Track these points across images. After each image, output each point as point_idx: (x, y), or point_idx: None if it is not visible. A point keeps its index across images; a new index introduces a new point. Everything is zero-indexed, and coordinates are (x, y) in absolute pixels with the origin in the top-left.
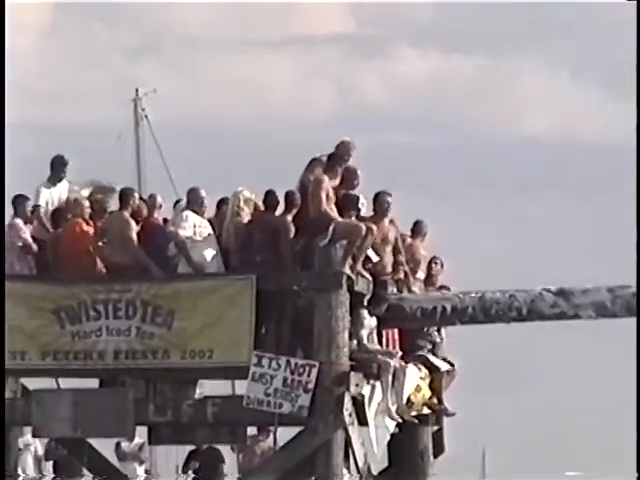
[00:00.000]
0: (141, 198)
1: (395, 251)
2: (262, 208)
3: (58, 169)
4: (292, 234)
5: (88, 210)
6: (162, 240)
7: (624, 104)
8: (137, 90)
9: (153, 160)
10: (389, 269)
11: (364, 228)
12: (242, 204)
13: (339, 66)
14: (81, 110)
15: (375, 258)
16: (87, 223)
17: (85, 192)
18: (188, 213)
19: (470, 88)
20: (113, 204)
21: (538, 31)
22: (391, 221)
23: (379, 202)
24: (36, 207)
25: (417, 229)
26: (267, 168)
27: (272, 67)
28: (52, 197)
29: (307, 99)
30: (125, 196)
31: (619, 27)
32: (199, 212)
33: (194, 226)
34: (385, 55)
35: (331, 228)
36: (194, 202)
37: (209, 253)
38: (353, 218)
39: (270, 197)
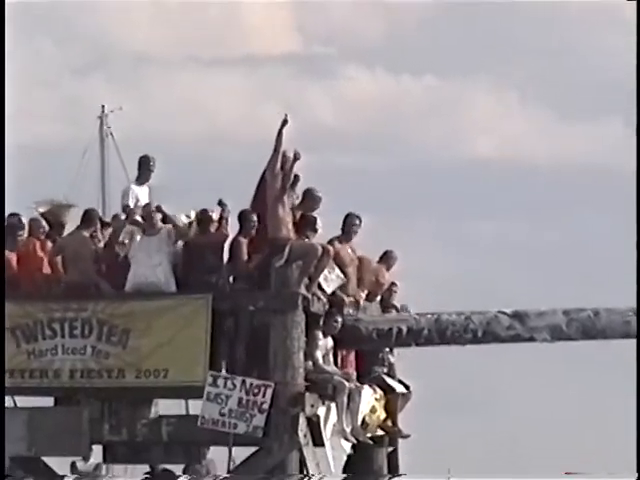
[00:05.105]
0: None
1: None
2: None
3: (144, 169)
4: (246, 254)
5: (43, 229)
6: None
7: (573, 126)
8: (103, 107)
9: (116, 176)
10: (354, 288)
11: (320, 249)
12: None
13: (287, 86)
14: (37, 129)
15: (342, 279)
16: (42, 243)
17: (42, 209)
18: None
19: (419, 109)
20: (70, 218)
21: (487, 52)
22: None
23: (348, 223)
24: (126, 207)
25: (385, 258)
26: (217, 187)
27: (221, 86)
28: (139, 197)
29: (255, 119)
30: (88, 217)
31: (569, 50)
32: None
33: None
34: (333, 75)
35: (287, 248)
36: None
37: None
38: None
39: (204, 215)
